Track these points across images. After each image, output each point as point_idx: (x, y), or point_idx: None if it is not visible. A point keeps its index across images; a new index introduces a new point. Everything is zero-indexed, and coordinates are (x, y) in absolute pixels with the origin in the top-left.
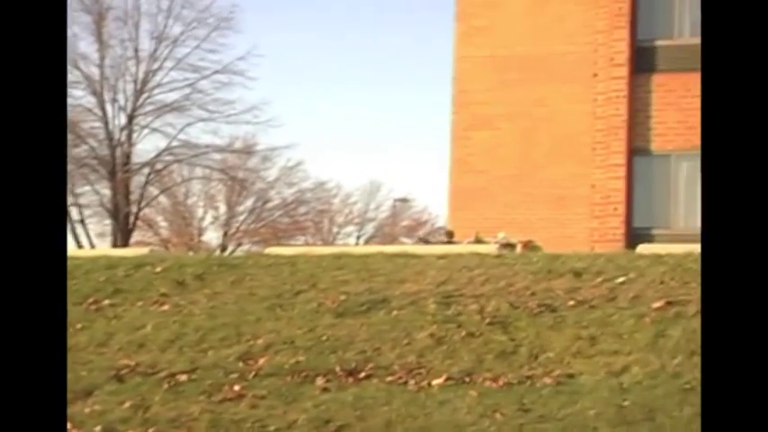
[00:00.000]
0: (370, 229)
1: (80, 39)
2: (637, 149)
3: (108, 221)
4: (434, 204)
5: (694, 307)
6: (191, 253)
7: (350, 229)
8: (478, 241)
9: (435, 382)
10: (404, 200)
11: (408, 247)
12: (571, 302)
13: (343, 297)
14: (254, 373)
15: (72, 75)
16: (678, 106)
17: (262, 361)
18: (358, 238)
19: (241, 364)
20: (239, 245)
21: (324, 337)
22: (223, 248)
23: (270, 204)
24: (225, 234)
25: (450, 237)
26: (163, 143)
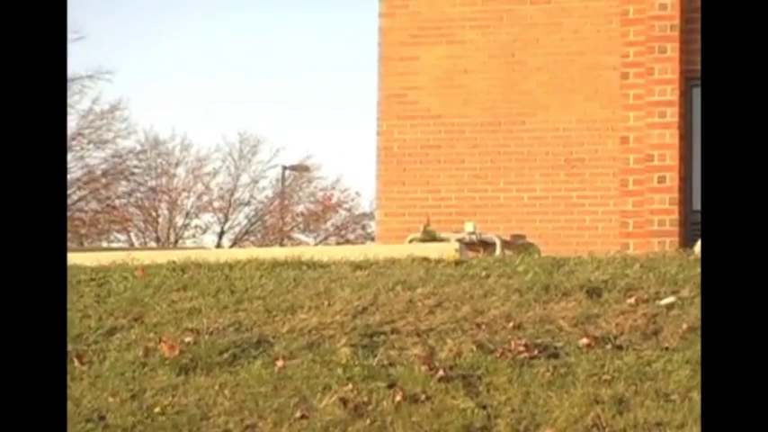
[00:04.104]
0: (241, 218)
1: None
2: (697, 76)
3: None
4: (352, 176)
5: None
6: None
7: (206, 218)
8: (430, 237)
9: None
10: (300, 168)
11: (305, 249)
12: (584, 341)
13: (189, 339)
14: None
15: None
16: None
17: None
18: (220, 234)
19: None
20: None
21: (156, 409)
22: None
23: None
24: None
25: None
26: None
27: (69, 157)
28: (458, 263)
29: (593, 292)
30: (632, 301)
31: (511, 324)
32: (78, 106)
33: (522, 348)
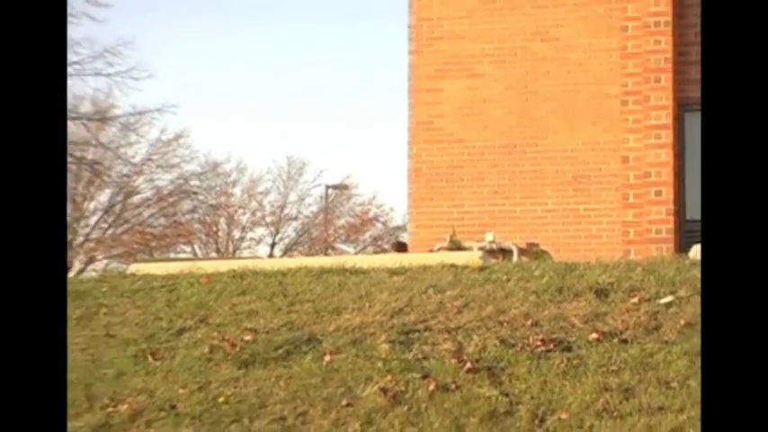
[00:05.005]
0: (290, 231)
1: None
2: (688, 102)
3: None
4: (387, 193)
5: None
6: None
7: (260, 232)
8: (455, 246)
9: None
10: (341, 187)
11: (348, 258)
12: (593, 336)
13: (248, 337)
14: None
15: None
16: None
17: None
18: (272, 245)
19: None
20: (90, 260)
21: (221, 399)
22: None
23: (137, 198)
24: (69, 245)
25: (400, 249)
26: None
27: (140, 179)
28: (481, 268)
29: (601, 293)
30: (635, 300)
31: (529, 322)
32: (148, 135)
33: (539, 343)
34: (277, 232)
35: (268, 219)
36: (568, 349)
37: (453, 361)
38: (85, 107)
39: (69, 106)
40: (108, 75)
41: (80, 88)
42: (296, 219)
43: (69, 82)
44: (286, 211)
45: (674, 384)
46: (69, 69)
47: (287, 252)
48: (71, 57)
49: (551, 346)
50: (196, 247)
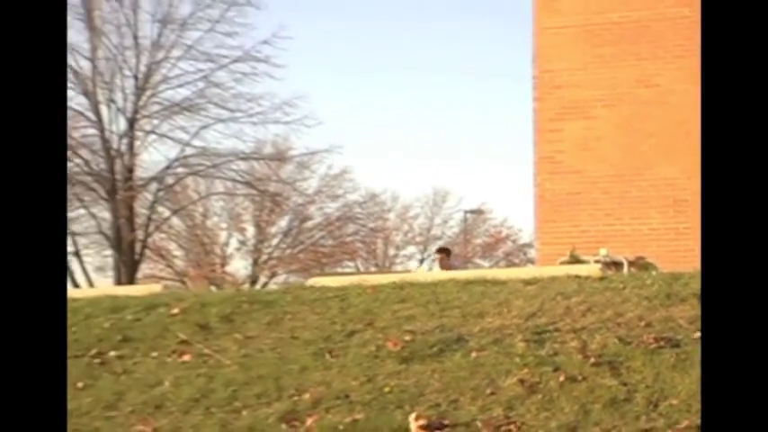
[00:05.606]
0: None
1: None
2: None
3: (108, 252)
4: (516, 216)
5: None
6: (213, 288)
7: (411, 250)
8: (574, 260)
9: None
10: (477, 211)
11: (486, 271)
12: (698, 334)
13: (408, 337)
14: None
15: None
16: None
17: (310, 421)
18: (421, 261)
19: (284, 426)
20: (273, 275)
21: (386, 389)
22: (253, 281)
23: (309, 223)
24: (255, 262)
25: (441, 252)
26: (173, 152)
27: (312, 208)
28: (601, 278)
29: None
30: None
31: (643, 323)
32: (318, 171)
33: (651, 340)
34: (425, 250)
35: (417, 239)
36: (677, 346)
37: (579, 356)
38: (267, 149)
39: (253, 149)
40: (285, 123)
41: (263, 134)
42: (440, 238)
43: (253, 130)
44: (432, 232)
45: None
46: (253, 119)
47: (433, 267)
48: (255, 108)
49: (662, 343)
50: (358, 263)
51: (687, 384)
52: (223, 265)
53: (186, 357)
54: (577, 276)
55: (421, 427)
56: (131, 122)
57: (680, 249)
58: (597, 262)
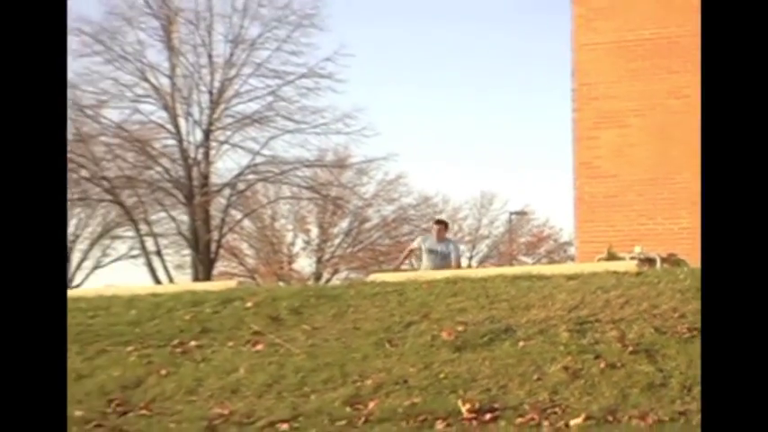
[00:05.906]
0: (482, 247)
1: (147, 46)
2: None
3: (187, 251)
4: (556, 217)
5: None
6: (281, 284)
7: (461, 248)
8: (611, 257)
9: (573, 422)
10: (521, 213)
11: (531, 267)
12: None
13: (460, 328)
14: (363, 418)
15: (140, 88)
16: None
17: (372, 405)
18: (470, 258)
19: (348, 409)
20: (335, 272)
21: (441, 375)
22: (317, 277)
23: (368, 224)
24: (318, 260)
25: (443, 225)
26: (245, 160)
27: (370, 210)
28: (637, 274)
29: None
30: None
31: (677, 314)
32: (376, 177)
33: (685, 330)
34: (474, 248)
35: (466, 238)
36: None
37: (618, 345)
38: (329, 157)
39: (317, 157)
40: (346, 133)
41: (325, 143)
42: (488, 237)
43: (317, 139)
44: (480, 232)
45: None
46: (317, 130)
47: (481, 263)
48: (318, 120)
49: (695, 332)
50: (413, 261)
51: None
52: (290, 263)
53: (259, 347)
54: (615, 272)
55: (469, 410)
56: (207, 134)
57: None
58: (632, 259)
